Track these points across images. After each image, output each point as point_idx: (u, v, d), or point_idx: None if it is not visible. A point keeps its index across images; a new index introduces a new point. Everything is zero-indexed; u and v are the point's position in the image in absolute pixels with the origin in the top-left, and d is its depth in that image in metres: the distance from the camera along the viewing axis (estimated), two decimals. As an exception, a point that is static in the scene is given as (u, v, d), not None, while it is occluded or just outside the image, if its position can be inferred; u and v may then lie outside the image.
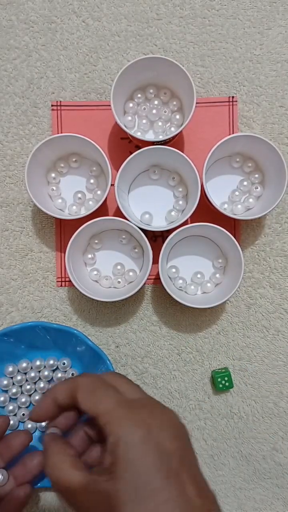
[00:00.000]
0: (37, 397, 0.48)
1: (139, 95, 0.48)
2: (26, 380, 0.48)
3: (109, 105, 0.44)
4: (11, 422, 0.47)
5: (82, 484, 0.28)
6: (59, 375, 0.48)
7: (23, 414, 0.47)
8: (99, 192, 0.48)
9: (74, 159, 0.48)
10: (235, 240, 0.44)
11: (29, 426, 0.47)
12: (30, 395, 0.48)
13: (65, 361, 0.48)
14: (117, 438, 0.29)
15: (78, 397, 0.32)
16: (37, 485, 0.45)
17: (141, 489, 0.27)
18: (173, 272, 0.48)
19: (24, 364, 0.48)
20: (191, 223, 0.46)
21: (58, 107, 0.50)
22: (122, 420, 0.29)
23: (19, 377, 0.48)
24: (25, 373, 0.48)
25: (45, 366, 0.48)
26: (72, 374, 0.48)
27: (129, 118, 0.48)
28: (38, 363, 0.48)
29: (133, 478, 0.27)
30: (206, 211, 0.48)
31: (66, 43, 0.51)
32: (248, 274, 0.50)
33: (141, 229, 0.44)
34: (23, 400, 0.47)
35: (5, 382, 0.47)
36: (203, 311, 0.50)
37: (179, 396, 0.49)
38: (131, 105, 0.48)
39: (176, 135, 0.45)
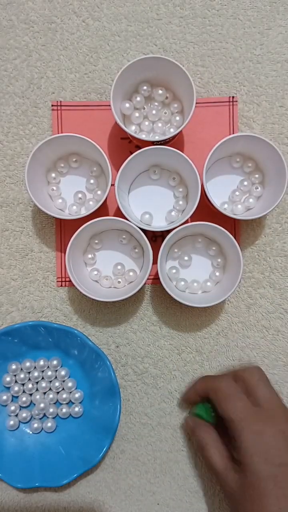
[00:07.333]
0: (37, 397, 0.48)
1: (138, 96, 0.48)
2: (29, 379, 0.48)
3: (109, 105, 0.44)
4: (11, 422, 0.47)
5: (222, 469, 0.39)
6: (63, 372, 0.48)
7: (24, 415, 0.47)
8: (99, 192, 0.48)
9: (74, 159, 0.48)
10: (233, 238, 0.44)
11: (35, 425, 0.47)
12: (30, 395, 0.48)
13: (67, 362, 0.48)
14: (237, 444, 0.38)
15: (213, 399, 0.42)
16: (35, 485, 0.45)
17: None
18: (173, 273, 0.48)
19: (28, 364, 0.48)
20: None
21: (58, 107, 0.50)
22: (241, 430, 0.38)
23: (22, 375, 0.48)
24: (28, 372, 0.48)
25: (48, 367, 0.48)
26: (74, 377, 0.48)
27: (129, 118, 0.48)
28: (42, 363, 0.48)
29: (252, 481, 0.37)
30: (206, 211, 0.48)
31: (66, 43, 0.51)
32: (248, 274, 0.50)
33: (141, 229, 0.44)
34: (24, 399, 0.48)
35: (8, 379, 0.47)
36: (203, 311, 0.50)
37: (179, 396, 0.49)
38: (129, 105, 0.48)
39: (176, 135, 0.45)
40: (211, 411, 0.44)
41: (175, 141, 0.50)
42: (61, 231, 0.50)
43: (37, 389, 0.48)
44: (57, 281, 0.50)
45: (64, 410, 0.48)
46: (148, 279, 0.47)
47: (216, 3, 0.50)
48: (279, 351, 0.50)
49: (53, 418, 0.48)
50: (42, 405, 0.47)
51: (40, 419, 0.48)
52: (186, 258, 0.48)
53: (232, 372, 0.44)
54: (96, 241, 0.48)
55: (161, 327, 0.50)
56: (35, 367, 0.48)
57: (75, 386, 0.48)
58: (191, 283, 0.48)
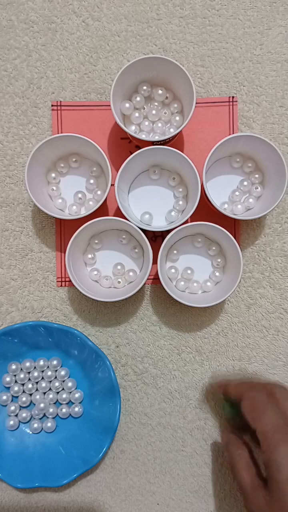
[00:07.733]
0: (37, 397, 0.48)
1: (138, 96, 0.48)
2: (29, 379, 0.48)
3: (109, 105, 0.44)
4: (11, 422, 0.47)
5: (250, 487, 0.37)
6: (62, 373, 0.48)
7: (24, 415, 0.47)
8: (99, 192, 0.48)
9: (74, 159, 0.48)
10: (233, 238, 0.44)
11: (35, 426, 0.47)
12: (30, 395, 0.48)
13: (67, 362, 0.48)
14: (269, 458, 0.35)
15: (246, 408, 0.39)
16: (35, 485, 0.45)
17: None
18: (172, 273, 0.48)
19: (28, 364, 0.48)
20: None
21: (58, 107, 0.50)
22: (276, 445, 0.35)
23: (21, 375, 0.48)
24: (28, 372, 0.48)
25: (48, 367, 0.48)
26: (74, 377, 0.48)
27: (129, 118, 0.48)
28: (42, 363, 0.48)
29: (280, 496, 0.33)
30: (206, 211, 0.48)
31: (66, 43, 0.51)
32: (248, 274, 0.50)
33: (141, 229, 0.44)
34: (24, 399, 0.48)
35: (8, 379, 0.47)
36: (203, 311, 0.50)
37: (179, 396, 0.49)
38: (129, 105, 0.48)
39: (176, 134, 0.45)
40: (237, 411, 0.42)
41: (175, 141, 0.50)
42: (61, 231, 0.50)
43: (37, 389, 0.48)
44: (57, 281, 0.50)
45: (64, 410, 0.48)
46: (148, 279, 0.47)
47: (216, 3, 0.51)
48: (279, 351, 0.50)
49: (53, 418, 0.48)
50: (42, 405, 0.47)
51: (40, 419, 0.48)
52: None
53: (261, 384, 0.42)
54: (96, 241, 0.48)
55: (161, 327, 0.50)
56: (35, 367, 0.48)
57: (75, 386, 0.48)
58: (191, 283, 0.48)
